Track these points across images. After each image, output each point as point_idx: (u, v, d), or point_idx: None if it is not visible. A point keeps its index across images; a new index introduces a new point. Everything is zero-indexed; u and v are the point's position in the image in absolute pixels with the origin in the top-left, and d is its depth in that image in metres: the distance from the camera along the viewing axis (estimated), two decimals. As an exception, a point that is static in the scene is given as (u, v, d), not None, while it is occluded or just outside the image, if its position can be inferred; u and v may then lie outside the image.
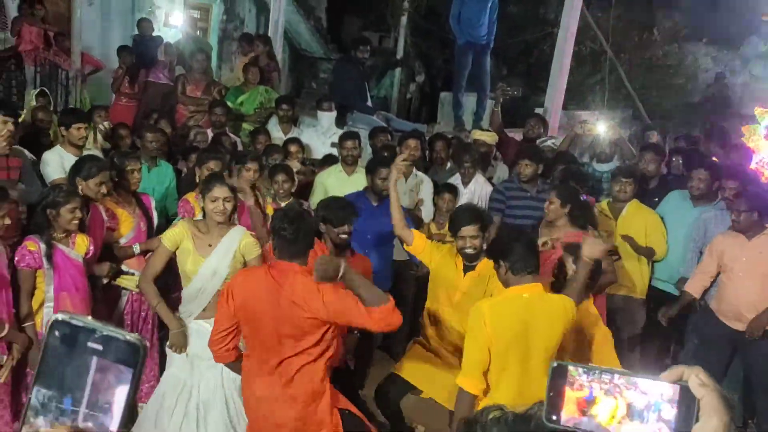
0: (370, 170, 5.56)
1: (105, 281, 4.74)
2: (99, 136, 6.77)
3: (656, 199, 6.21)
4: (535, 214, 5.71)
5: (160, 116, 7.74)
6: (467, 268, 4.49)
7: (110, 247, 4.81)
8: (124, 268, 4.85)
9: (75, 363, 0.91)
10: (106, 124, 6.93)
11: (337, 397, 3.79)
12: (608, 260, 4.99)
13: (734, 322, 5.20)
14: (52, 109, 7.70)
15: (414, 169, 6.41)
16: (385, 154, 6.50)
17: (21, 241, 4.22)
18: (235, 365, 3.81)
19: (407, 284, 5.98)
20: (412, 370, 4.57)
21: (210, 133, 7.32)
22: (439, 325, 4.60)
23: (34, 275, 4.20)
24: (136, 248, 4.86)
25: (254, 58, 9.43)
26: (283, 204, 5.59)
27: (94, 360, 0.91)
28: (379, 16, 14.05)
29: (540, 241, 4.95)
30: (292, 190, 5.77)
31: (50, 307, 4.18)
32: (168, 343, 4.30)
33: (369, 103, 9.64)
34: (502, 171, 7.41)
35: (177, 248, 4.22)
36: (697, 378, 0.91)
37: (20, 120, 5.95)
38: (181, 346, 4.22)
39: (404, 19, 13.62)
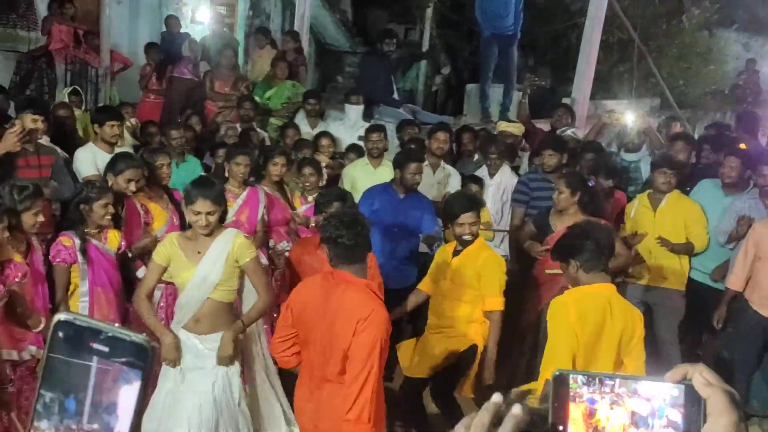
0: (399, 164, 5.53)
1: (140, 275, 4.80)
2: (126, 133, 6.86)
3: (687, 189, 6.13)
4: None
5: (192, 113, 7.82)
6: (456, 252, 4.70)
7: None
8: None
9: (79, 365, 0.87)
10: (133, 121, 7.02)
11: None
12: (621, 243, 5.02)
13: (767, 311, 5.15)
14: (83, 107, 7.83)
15: (442, 162, 6.42)
16: (413, 146, 6.51)
17: (56, 237, 4.31)
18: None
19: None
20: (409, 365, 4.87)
21: (239, 129, 7.38)
22: (435, 311, 4.83)
23: (69, 270, 4.29)
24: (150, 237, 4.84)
25: (281, 53, 9.49)
26: (310, 198, 5.62)
27: (99, 362, 0.87)
28: (404, 8, 14.00)
29: (540, 249, 5.05)
30: (320, 184, 5.80)
31: (85, 301, 4.26)
32: (162, 357, 4.05)
33: (395, 96, 9.64)
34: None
35: (168, 263, 4.02)
36: (701, 377, 0.88)
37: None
38: (175, 360, 4.01)
39: (430, 11, 13.56)
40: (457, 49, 14.24)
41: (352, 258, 3.45)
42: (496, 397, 0.90)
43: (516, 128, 7.46)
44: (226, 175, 5.46)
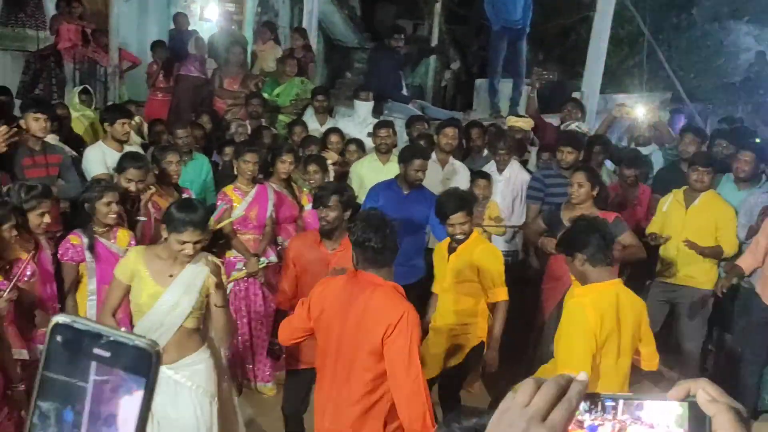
0: (404, 160, 5.51)
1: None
2: (131, 132, 6.86)
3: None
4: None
5: (202, 111, 7.82)
6: (451, 250, 4.69)
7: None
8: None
9: (78, 372, 0.80)
10: (137, 119, 7.02)
11: None
12: (632, 235, 4.99)
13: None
14: (93, 106, 7.85)
15: (450, 158, 6.39)
16: (422, 142, 6.48)
17: (65, 235, 4.32)
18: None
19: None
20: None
21: (249, 126, 7.37)
22: (439, 309, 4.82)
23: (77, 268, 4.29)
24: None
25: (290, 50, 9.48)
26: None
27: (99, 369, 0.80)
28: (412, 3, 13.96)
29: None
30: (327, 180, 5.78)
31: (93, 300, 4.26)
32: None
33: (404, 91, 9.62)
34: (539, 157, 7.34)
35: (132, 279, 3.67)
36: (705, 393, 0.84)
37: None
38: None
39: (438, 6, 13.51)
40: (465, 45, 14.19)
41: (381, 261, 3.38)
42: (583, 376, 0.86)
43: (525, 123, 7.43)
44: (235, 172, 5.45)
